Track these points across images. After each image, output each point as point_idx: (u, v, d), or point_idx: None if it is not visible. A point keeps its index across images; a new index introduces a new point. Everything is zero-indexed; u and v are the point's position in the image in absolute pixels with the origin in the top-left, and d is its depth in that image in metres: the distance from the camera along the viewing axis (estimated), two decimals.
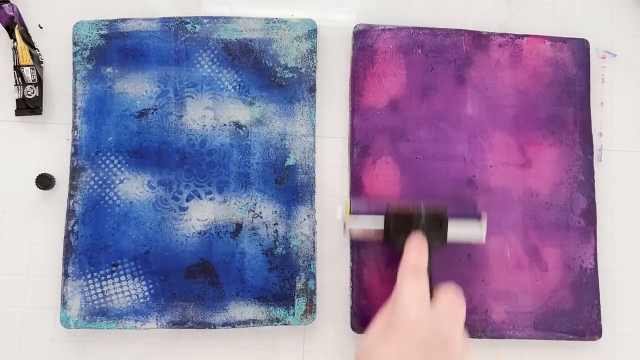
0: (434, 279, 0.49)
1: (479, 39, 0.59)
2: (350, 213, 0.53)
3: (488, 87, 0.58)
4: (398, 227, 0.51)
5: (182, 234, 0.56)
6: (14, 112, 0.58)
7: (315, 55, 0.58)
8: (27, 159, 0.58)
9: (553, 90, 0.58)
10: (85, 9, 0.60)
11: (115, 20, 0.58)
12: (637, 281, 0.58)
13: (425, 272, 0.48)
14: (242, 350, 0.56)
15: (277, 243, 0.56)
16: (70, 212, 0.56)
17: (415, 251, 0.49)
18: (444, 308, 0.46)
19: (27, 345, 0.56)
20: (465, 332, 0.46)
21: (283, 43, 0.58)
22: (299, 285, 0.55)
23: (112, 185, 0.56)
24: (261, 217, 0.56)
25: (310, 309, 0.55)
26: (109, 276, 0.55)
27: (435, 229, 0.51)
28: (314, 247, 0.56)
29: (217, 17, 0.58)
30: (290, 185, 0.57)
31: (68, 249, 0.55)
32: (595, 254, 0.56)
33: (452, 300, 0.47)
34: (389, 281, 0.55)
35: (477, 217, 0.53)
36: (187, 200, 0.56)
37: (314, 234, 0.56)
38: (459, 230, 0.52)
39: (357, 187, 0.57)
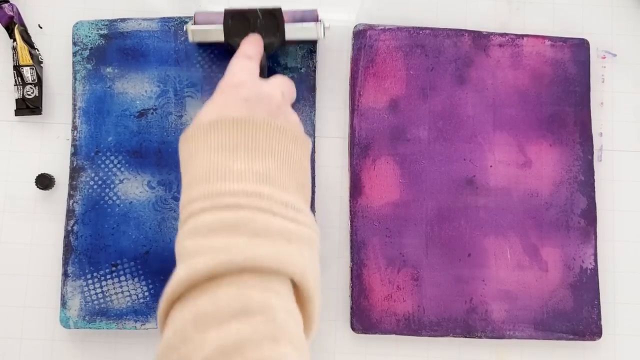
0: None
1: (479, 39, 0.59)
2: (195, 23, 0.54)
3: (488, 87, 0.58)
4: (237, 27, 0.52)
5: None
6: (13, 112, 0.58)
7: (315, 55, 0.58)
8: (26, 159, 0.58)
9: (553, 90, 0.58)
10: (85, 9, 0.60)
11: (115, 20, 0.58)
12: (637, 281, 0.58)
13: (256, 58, 0.50)
14: None
15: None
16: (70, 212, 0.56)
17: (250, 43, 0.51)
18: (276, 81, 0.48)
19: (27, 345, 0.56)
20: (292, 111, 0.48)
21: None
22: None
23: (112, 185, 0.56)
24: None
25: None
26: (108, 276, 0.55)
27: (272, 28, 0.52)
28: None
29: None
30: None
31: (68, 249, 0.55)
32: (595, 254, 0.56)
33: (282, 79, 0.49)
34: (389, 281, 0.55)
35: (314, 19, 0.54)
36: None
37: None
38: (295, 29, 0.53)
39: (357, 187, 0.57)
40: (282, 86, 0.48)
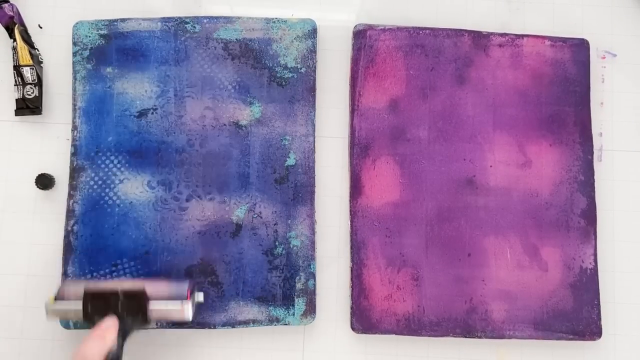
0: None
1: (479, 39, 0.59)
2: (56, 299, 0.50)
3: (488, 87, 0.58)
4: (95, 308, 0.49)
5: (182, 234, 0.56)
6: (13, 112, 0.58)
7: (315, 55, 0.58)
8: (27, 159, 0.58)
9: (553, 90, 0.58)
10: (85, 9, 0.60)
11: (115, 20, 0.58)
12: (637, 281, 0.58)
13: (107, 345, 0.47)
14: (242, 350, 0.56)
15: (277, 243, 0.56)
16: (70, 212, 0.56)
17: (93, 338, 0.47)
18: None
19: (27, 345, 0.56)
20: None
21: (283, 43, 0.58)
22: (298, 285, 0.55)
23: (112, 185, 0.56)
24: (261, 217, 0.56)
25: (310, 309, 0.55)
26: (108, 276, 0.55)
27: (136, 309, 0.49)
28: (314, 247, 0.56)
29: (217, 17, 0.58)
30: (290, 185, 0.56)
31: (68, 249, 0.55)
32: (595, 254, 0.56)
33: None
34: (389, 281, 0.55)
35: (184, 284, 0.51)
36: (187, 200, 0.56)
37: (314, 234, 0.56)
38: (161, 309, 0.50)
39: (357, 187, 0.57)
40: None
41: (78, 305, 0.50)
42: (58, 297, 0.50)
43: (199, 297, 0.52)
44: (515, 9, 0.61)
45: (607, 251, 0.58)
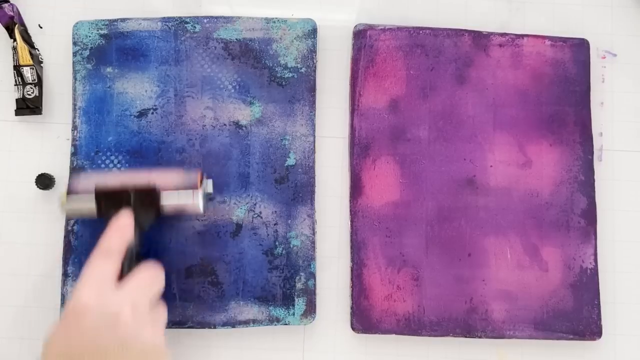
0: (145, 257, 0.49)
1: (479, 39, 0.59)
2: (69, 193, 0.52)
3: (488, 87, 0.58)
4: (108, 205, 0.50)
5: (181, 234, 0.56)
6: (13, 112, 0.58)
7: (315, 55, 0.58)
8: (27, 159, 0.58)
9: (553, 90, 0.58)
10: (85, 9, 0.60)
11: (115, 20, 0.58)
12: (637, 281, 0.58)
13: (117, 253, 0.47)
14: (242, 350, 0.56)
15: (277, 243, 0.56)
16: None
17: (113, 232, 0.48)
18: (131, 287, 0.46)
19: (27, 345, 0.56)
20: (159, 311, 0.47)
21: (283, 43, 0.58)
22: (299, 285, 0.55)
23: None
24: (261, 217, 0.56)
25: (310, 309, 0.55)
26: None
27: (148, 204, 0.50)
28: (314, 247, 0.56)
29: (217, 17, 0.58)
30: (290, 185, 0.56)
31: (68, 249, 0.55)
32: (595, 254, 0.56)
33: (144, 279, 0.47)
34: (389, 281, 0.55)
35: (195, 187, 0.52)
36: None
37: (314, 234, 0.56)
38: (173, 202, 0.51)
39: (357, 187, 0.57)
40: (134, 295, 0.45)
41: (91, 203, 0.50)
42: (70, 192, 0.52)
43: (209, 186, 0.53)
44: (515, 9, 0.61)
45: (607, 251, 0.58)
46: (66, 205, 0.51)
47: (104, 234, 0.48)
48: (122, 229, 0.48)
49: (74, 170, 0.56)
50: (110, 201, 0.50)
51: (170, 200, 0.51)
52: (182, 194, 0.51)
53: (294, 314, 0.55)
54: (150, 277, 0.47)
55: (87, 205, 0.51)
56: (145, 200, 0.50)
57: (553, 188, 0.57)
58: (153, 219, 0.51)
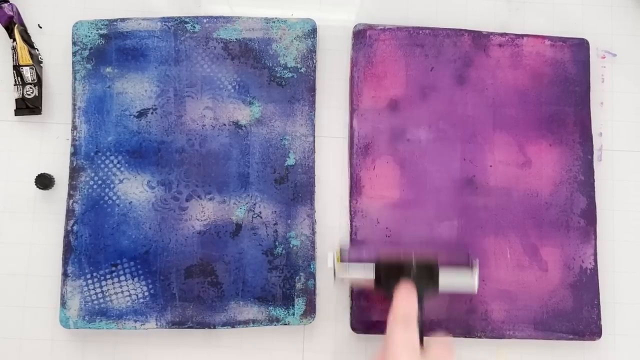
0: (426, 328, 0.49)
1: (479, 39, 0.59)
2: (340, 260, 0.52)
3: (488, 87, 0.58)
4: (389, 275, 0.51)
5: (181, 234, 0.56)
6: (13, 112, 0.58)
7: (315, 55, 0.58)
8: (26, 159, 0.58)
9: (553, 90, 0.58)
10: (84, 9, 0.60)
11: (115, 20, 0.58)
12: (637, 281, 0.58)
13: (415, 321, 0.47)
14: (242, 350, 0.56)
15: (276, 243, 0.56)
16: (69, 212, 0.56)
17: (405, 300, 0.48)
18: (434, 356, 0.46)
19: (27, 345, 0.56)
20: None
21: (283, 43, 0.58)
22: (298, 285, 0.55)
23: (112, 185, 0.56)
24: (261, 217, 0.56)
25: (310, 309, 0.55)
26: (108, 276, 0.55)
27: (427, 278, 0.51)
28: (313, 247, 0.56)
29: (216, 17, 0.58)
30: (290, 185, 0.56)
31: (68, 249, 0.55)
32: (595, 254, 0.56)
33: (442, 352, 0.47)
34: None
35: (469, 265, 0.52)
36: (187, 200, 0.56)
37: (314, 234, 0.56)
38: (450, 280, 0.51)
39: (357, 187, 0.57)
40: None
41: (370, 272, 0.51)
42: (342, 260, 0.52)
43: (476, 264, 0.52)
44: (515, 9, 0.61)
45: (607, 251, 0.58)
46: (341, 274, 0.52)
47: (396, 302, 0.48)
48: (411, 297, 0.49)
49: (74, 169, 0.56)
50: (391, 272, 0.51)
51: (448, 277, 0.51)
52: (460, 272, 0.51)
53: (293, 314, 0.55)
54: (450, 351, 0.47)
55: (366, 275, 0.51)
56: (425, 275, 0.51)
57: (553, 188, 0.57)
58: (430, 293, 0.51)
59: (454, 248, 0.55)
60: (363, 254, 0.53)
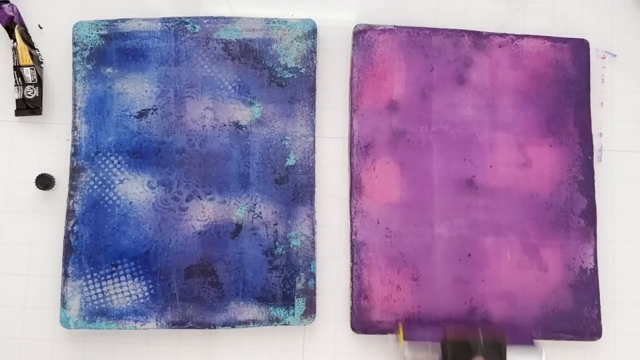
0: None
1: (479, 39, 0.59)
2: (403, 339, 0.53)
3: (488, 87, 0.58)
4: (457, 354, 0.51)
5: (182, 234, 0.56)
6: (13, 112, 0.58)
7: (315, 56, 0.58)
8: (27, 159, 0.58)
9: (553, 91, 0.58)
10: (85, 9, 0.60)
11: (115, 21, 0.58)
12: (637, 281, 0.58)
13: None
14: (242, 350, 0.56)
15: (277, 243, 0.56)
16: (70, 212, 0.56)
17: None
18: None
19: (27, 345, 0.56)
20: None
21: (283, 43, 0.58)
22: (299, 285, 0.55)
23: (112, 186, 0.56)
24: (261, 217, 0.56)
25: (310, 309, 0.55)
26: (108, 276, 0.55)
27: (494, 356, 0.51)
28: (314, 247, 0.56)
29: (217, 17, 0.58)
30: (290, 185, 0.57)
31: (68, 249, 0.55)
32: (595, 254, 0.56)
33: None
34: (389, 281, 0.55)
35: (531, 344, 0.53)
36: (187, 201, 0.56)
37: (314, 234, 0.56)
38: (519, 358, 0.52)
39: (357, 187, 0.57)
40: None
41: (435, 352, 0.52)
42: (406, 339, 0.53)
43: (541, 345, 0.53)
44: (515, 9, 0.61)
45: (607, 251, 0.58)
46: (407, 353, 0.52)
47: None
48: None
49: (74, 169, 0.56)
50: (460, 350, 0.51)
51: (515, 356, 0.52)
52: (526, 351, 0.52)
53: (293, 314, 0.55)
54: None
55: (432, 354, 0.52)
56: (493, 352, 0.51)
57: (553, 188, 0.57)
58: None
59: (516, 328, 0.55)
60: (426, 332, 0.53)
